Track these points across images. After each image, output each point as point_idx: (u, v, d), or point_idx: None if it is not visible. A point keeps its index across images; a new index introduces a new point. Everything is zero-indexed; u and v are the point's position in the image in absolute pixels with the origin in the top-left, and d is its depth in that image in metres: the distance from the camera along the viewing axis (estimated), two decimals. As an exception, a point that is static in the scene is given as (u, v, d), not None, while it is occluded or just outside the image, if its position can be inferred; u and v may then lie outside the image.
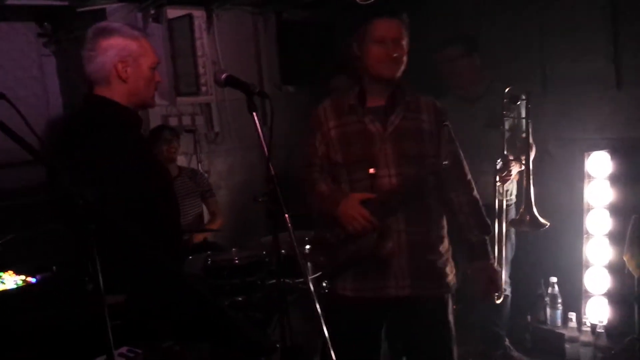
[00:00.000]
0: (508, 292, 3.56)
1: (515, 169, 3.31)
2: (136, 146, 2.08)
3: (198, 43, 4.27)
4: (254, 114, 1.96)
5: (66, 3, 3.95)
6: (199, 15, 4.32)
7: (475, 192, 2.37)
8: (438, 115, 2.34)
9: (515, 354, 3.62)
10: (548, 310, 3.79)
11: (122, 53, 1.99)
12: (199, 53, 4.30)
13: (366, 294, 2.29)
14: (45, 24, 4.79)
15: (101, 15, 4.10)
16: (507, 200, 3.37)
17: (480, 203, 2.38)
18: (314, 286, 2.11)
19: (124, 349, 1.80)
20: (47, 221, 2.30)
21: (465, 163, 2.40)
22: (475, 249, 2.34)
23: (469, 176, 2.40)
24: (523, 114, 3.31)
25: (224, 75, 2.11)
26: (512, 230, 3.49)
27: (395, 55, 2.23)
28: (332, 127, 2.33)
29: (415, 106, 2.33)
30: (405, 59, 2.27)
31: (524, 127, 3.33)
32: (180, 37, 4.28)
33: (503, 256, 3.32)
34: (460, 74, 3.42)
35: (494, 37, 3.95)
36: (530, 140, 3.30)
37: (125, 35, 2.02)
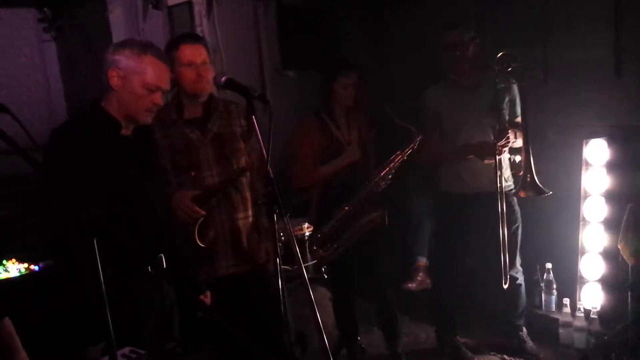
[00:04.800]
0: (521, 280, 3.59)
1: (511, 137, 3.26)
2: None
3: (198, 30, 4.25)
4: (253, 117, 2.02)
5: (66, -10, 3.95)
6: (199, 1, 4.30)
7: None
8: (245, 118, 2.73)
9: (530, 344, 3.63)
10: (543, 295, 3.85)
11: (117, 64, 2.10)
12: (199, 40, 4.29)
13: (203, 277, 2.59)
14: (45, 9, 4.79)
15: (102, 2, 4.10)
16: (505, 188, 3.36)
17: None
18: (310, 273, 2.20)
19: (126, 350, 1.85)
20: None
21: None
22: None
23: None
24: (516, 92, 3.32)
25: (224, 79, 2.16)
26: (519, 216, 3.49)
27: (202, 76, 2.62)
28: (159, 137, 2.63)
29: (227, 113, 2.75)
30: (210, 77, 2.63)
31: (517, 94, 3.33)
32: (180, 24, 4.27)
33: (502, 241, 3.32)
34: (467, 59, 3.30)
35: (495, 23, 3.93)
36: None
37: (128, 50, 2.11)
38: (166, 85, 2.18)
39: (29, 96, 4.76)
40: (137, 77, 2.10)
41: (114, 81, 2.11)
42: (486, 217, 3.33)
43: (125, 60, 2.10)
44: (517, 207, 3.48)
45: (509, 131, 3.23)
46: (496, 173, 3.27)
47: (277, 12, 4.94)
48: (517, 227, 3.49)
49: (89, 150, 2.04)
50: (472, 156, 3.34)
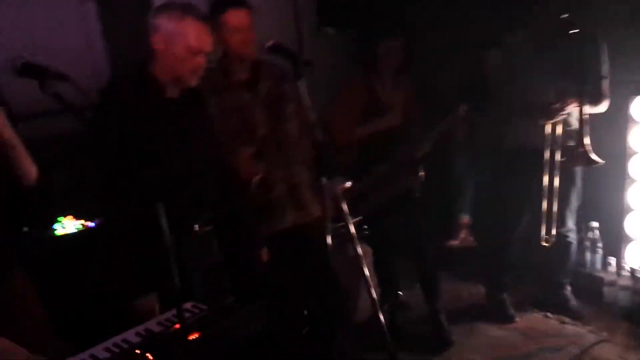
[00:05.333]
0: (572, 239, 3.58)
1: (569, 108, 3.20)
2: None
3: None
4: (299, 82, 2.04)
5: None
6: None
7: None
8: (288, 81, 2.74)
9: (574, 302, 3.64)
10: (588, 254, 3.84)
11: (159, 28, 2.13)
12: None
13: (264, 231, 2.68)
14: (84, -34, 4.79)
15: (142, -40, 4.08)
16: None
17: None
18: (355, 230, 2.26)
19: (188, 305, 1.93)
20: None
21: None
22: None
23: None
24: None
25: (271, 43, 2.16)
26: (579, 174, 3.44)
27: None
28: (213, 103, 2.63)
29: (273, 75, 2.76)
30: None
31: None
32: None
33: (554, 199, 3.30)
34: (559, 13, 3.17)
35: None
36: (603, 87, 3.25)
37: (170, 14, 2.13)
38: (208, 47, 2.20)
39: (72, 56, 4.78)
40: (179, 40, 2.12)
41: (158, 45, 2.14)
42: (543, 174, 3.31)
43: (166, 24, 2.13)
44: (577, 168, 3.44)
45: (567, 99, 3.18)
46: (544, 136, 3.25)
47: (315, -33, 4.88)
48: (574, 187, 3.45)
49: (135, 112, 2.09)
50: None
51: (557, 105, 3.18)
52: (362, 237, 3.71)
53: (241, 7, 2.66)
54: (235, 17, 2.63)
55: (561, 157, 3.31)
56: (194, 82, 2.23)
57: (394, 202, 3.36)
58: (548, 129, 3.28)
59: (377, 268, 3.61)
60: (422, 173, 3.34)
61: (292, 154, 2.83)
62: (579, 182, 3.47)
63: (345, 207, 2.18)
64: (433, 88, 3.30)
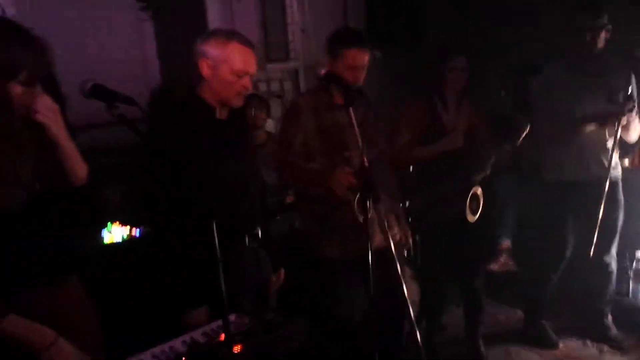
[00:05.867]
0: (613, 267, 3.52)
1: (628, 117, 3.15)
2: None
3: (288, 11, 4.39)
4: (350, 109, 2.13)
5: (166, -26, 4.14)
6: (289, -17, 4.44)
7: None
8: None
9: (614, 332, 3.58)
10: (631, 283, 3.78)
11: (206, 54, 2.22)
12: (289, 21, 4.43)
13: (351, 255, 2.72)
14: (144, -11, 5.03)
15: (197, -15, 4.28)
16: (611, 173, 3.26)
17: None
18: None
19: (232, 317, 2.00)
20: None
21: None
22: None
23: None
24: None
25: (324, 71, 2.27)
26: (622, 203, 3.40)
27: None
28: (311, 119, 2.74)
29: (365, 102, 2.79)
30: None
31: None
32: (271, 6, 4.41)
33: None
34: (593, 44, 3.19)
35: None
36: None
37: (216, 40, 2.23)
38: (253, 69, 2.28)
39: (127, 72, 5.02)
40: (225, 65, 2.22)
41: (205, 71, 2.24)
42: (587, 203, 3.27)
43: (212, 50, 2.22)
44: (621, 196, 3.41)
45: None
46: (607, 148, 3.25)
47: (366, -9, 5.00)
48: (618, 215, 3.42)
49: (187, 133, 2.19)
50: (590, 128, 3.24)
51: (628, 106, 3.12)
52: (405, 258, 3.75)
53: (364, 47, 2.71)
54: (357, 57, 2.68)
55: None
56: (239, 103, 2.33)
57: (449, 223, 3.32)
58: (595, 152, 3.28)
59: (423, 288, 3.58)
60: (481, 197, 3.28)
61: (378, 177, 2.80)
62: (621, 210, 3.43)
63: (388, 227, 2.24)
64: (490, 111, 3.28)
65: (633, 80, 3.19)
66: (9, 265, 1.72)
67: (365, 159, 2.39)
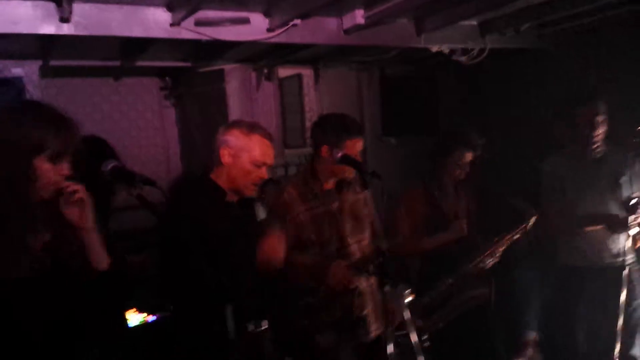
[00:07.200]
0: None
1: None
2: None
3: (306, 99, 4.53)
4: (366, 191, 2.17)
5: (189, 64, 4.33)
6: (307, 73, 4.60)
7: None
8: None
9: None
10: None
11: (228, 143, 2.33)
12: (307, 108, 4.57)
13: (350, 344, 2.75)
14: (167, 78, 5.24)
15: (219, 74, 4.45)
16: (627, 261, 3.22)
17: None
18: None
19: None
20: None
21: None
22: None
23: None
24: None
25: (339, 154, 2.33)
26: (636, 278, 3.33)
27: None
28: (301, 211, 2.74)
29: (351, 183, 2.82)
30: None
31: None
32: (289, 94, 4.56)
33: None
34: (597, 133, 3.29)
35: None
36: None
37: (239, 131, 2.34)
38: (271, 160, 2.38)
39: (149, 156, 5.14)
40: (246, 155, 2.32)
41: (226, 158, 2.33)
42: (605, 291, 3.22)
43: (235, 140, 2.33)
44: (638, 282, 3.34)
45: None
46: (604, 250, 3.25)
47: (380, 82, 5.16)
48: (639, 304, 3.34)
49: (201, 213, 2.24)
50: (598, 227, 3.28)
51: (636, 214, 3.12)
52: (423, 349, 3.64)
53: (360, 136, 2.80)
54: (354, 146, 2.74)
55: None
56: (252, 193, 2.39)
57: (462, 316, 3.28)
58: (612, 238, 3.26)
59: None
60: (493, 284, 3.26)
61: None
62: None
63: (407, 315, 2.21)
64: (499, 197, 3.31)
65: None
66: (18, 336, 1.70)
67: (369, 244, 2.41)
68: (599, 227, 3.29)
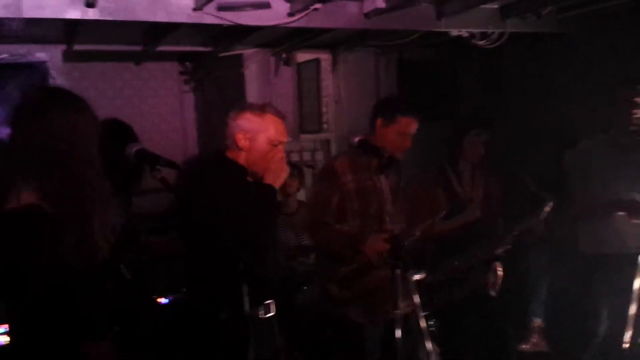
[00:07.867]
0: None
1: None
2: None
3: (323, 84, 4.54)
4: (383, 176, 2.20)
5: (209, 49, 4.36)
6: (325, 58, 4.61)
7: None
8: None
9: None
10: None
11: (242, 127, 2.34)
12: (324, 93, 4.58)
13: (378, 318, 2.78)
14: (187, 63, 5.29)
15: (238, 59, 4.48)
16: None
17: None
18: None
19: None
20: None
21: None
22: None
23: None
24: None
25: (357, 139, 2.35)
26: None
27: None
28: (350, 180, 2.79)
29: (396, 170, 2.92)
30: None
31: None
32: (307, 79, 4.58)
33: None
34: (633, 118, 3.20)
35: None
36: None
37: (251, 113, 2.35)
38: (285, 138, 2.41)
39: (167, 141, 5.22)
40: (262, 135, 2.34)
41: (242, 142, 2.35)
42: (626, 279, 3.21)
43: (248, 123, 2.35)
44: None
45: None
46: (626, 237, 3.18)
47: (398, 65, 5.14)
48: None
49: (221, 193, 2.26)
50: (620, 213, 3.24)
51: None
52: (430, 333, 3.66)
53: (417, 117, 2.87)
54: (410, 125, 2.83)
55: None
56: (270, 181, 2.37)
57: (470, 300, 3.26)
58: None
59: None
60: (500, 271, 3.27)
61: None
62: None
63: (417, 299, 2.24)
64: (519, 183, 3.30)
65: None
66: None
67: (395, 227, 2.42)
68: (621, 213, 3.25)
